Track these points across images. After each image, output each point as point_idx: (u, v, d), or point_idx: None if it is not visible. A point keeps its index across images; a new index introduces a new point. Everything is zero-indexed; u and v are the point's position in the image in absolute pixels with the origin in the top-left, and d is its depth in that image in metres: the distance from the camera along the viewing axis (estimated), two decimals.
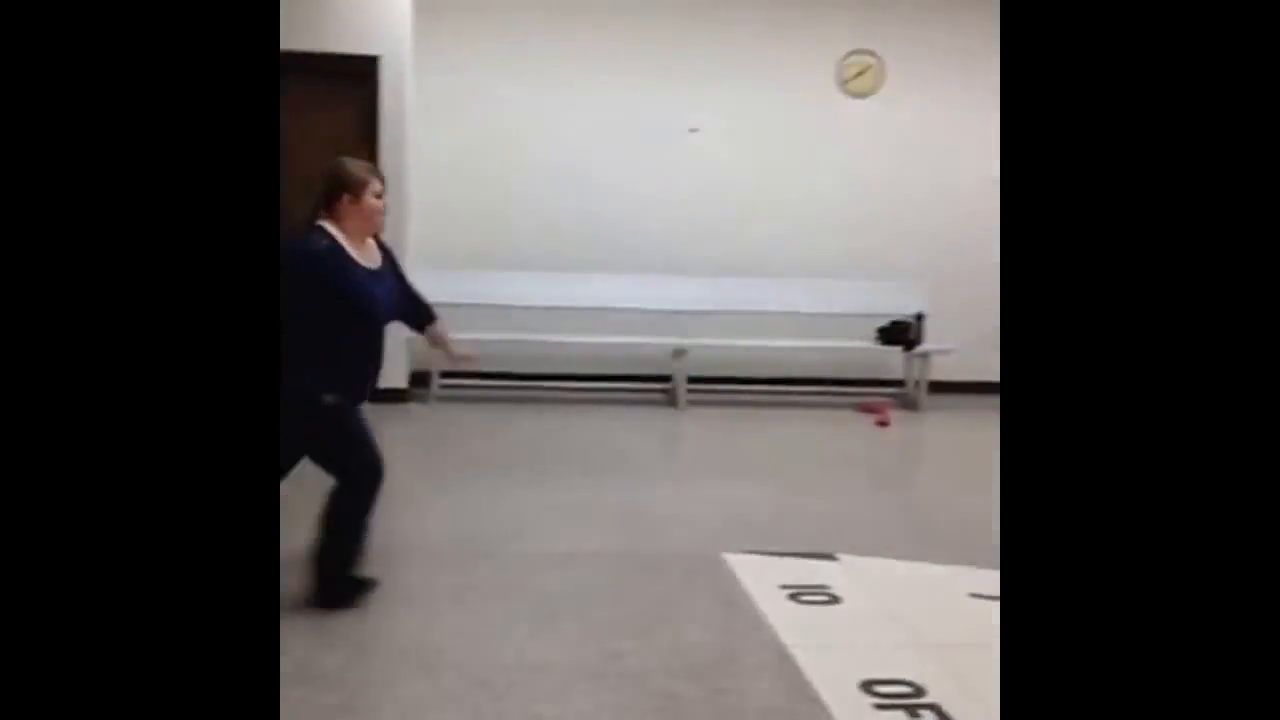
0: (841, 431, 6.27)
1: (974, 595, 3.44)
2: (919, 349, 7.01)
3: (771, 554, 3.67)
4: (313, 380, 2.89)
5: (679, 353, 6.79)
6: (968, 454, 5.99)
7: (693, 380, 6.89)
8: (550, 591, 3.26)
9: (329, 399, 2.94)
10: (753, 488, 4.76)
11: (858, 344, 7.17)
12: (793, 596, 3.30)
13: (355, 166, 3.04)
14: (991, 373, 7.05)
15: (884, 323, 7.15)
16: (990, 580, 3.56)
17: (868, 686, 2.67)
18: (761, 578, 3.44)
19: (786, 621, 3.07)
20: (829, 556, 3.73)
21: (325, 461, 3.04)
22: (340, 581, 3.08)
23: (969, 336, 7.02)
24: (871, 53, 7.33)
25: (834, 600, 3.30)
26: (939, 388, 7.09)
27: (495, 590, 3.26)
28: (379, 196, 3.03)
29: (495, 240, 7.13)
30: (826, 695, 2.60)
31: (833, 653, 2.88)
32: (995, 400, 6.89)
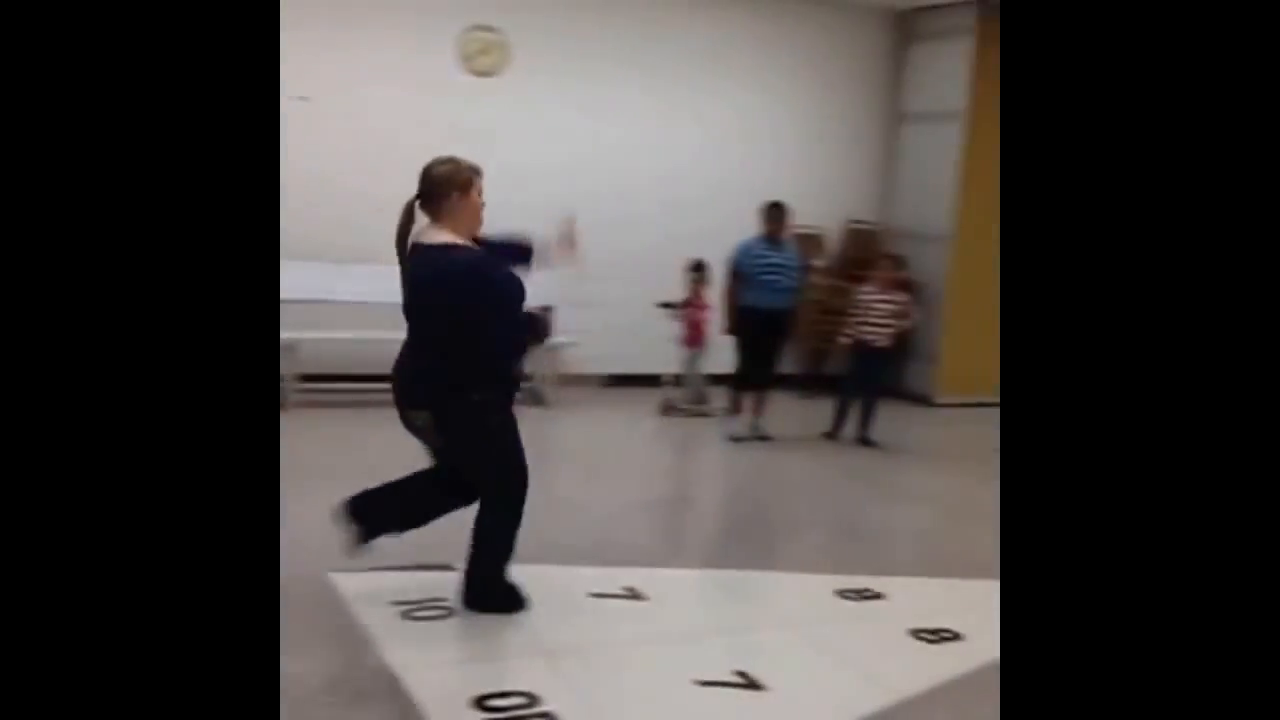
0: None
1: (594, 595, 3.61)
2: (548, 342, 7.21)
3: (385, 569, 3.61)
4: (466, 380, 3.18)
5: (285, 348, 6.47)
6: (598, 449, 6.29)
7: (301, 378, 6.61)
8: None
9: (477, 397, 3.21)
10: None
11: None
12: (406, 614, 3.28)
13: (461, 164, 3.32)
14: (617, 363, 7.46)
15: None
16: (612, 577, 3.75)
17: (480, 702, 2.72)
18: (373, 597, 3.38)
19: (398, 641, 3.04)
20: (447, 567, 3.73)
21: (477, 467, 3.34)
22: (497, 587, 3.36)
23: (594, 328, 7.34)
24: (493, 29, 7.40)
25: (449, 613, 3.32)
26: (568, 381, 7.35)
27: None
28: (480, 192, 3.32)
29: None
30: (437, 717, 2.60)
31: (445, 670, 2.90)
32: (623, 392, 7.32)
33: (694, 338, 7.11)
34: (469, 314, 3.14)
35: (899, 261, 7.08)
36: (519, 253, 3.69)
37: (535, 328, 3.49)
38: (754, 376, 6.48)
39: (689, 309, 7.10)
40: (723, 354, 7.01)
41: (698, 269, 7.16)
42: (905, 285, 7.05)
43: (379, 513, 3.42)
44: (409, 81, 7.08)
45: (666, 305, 7.15)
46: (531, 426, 6.43)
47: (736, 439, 6.43)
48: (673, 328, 7.13)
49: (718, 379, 7.06)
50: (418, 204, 3.29)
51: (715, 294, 6.84)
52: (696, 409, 7.09)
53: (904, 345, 8.33)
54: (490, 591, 3.37)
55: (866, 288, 6.64)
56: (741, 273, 6.31)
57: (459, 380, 3.18)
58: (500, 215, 7.69)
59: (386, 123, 7.11)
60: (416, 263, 3.23)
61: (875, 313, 6.51)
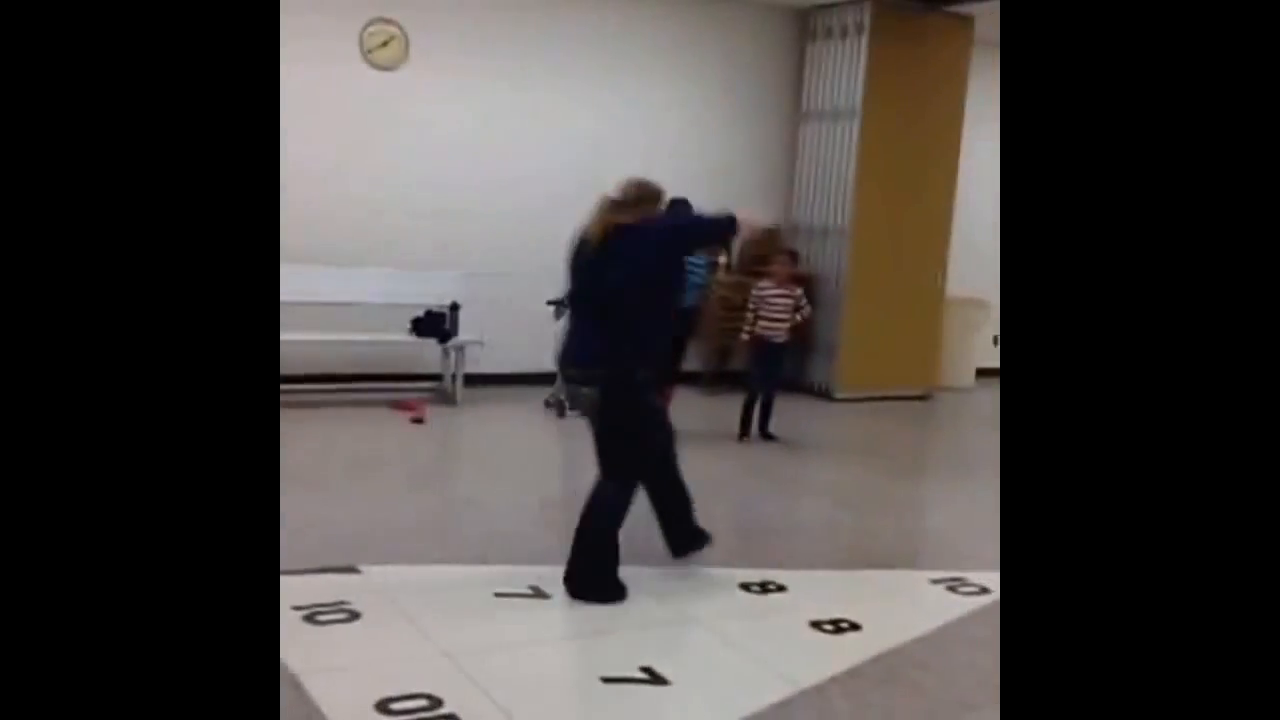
0: (372, 431, 6.25)
1: (499, 594, 3.62)
2: (454, 341, 7.18)
3: (287, 573, 3.55)
4: (635, 360, 3.65)
5: None
6: (505, 447, 6.28)
7: None
8: None
9: (641, 376, 3.67)
10: None
11: (389, 337, 7.17)
12: (308, 618, 3.24)
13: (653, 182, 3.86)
14: (525, 363, 7.44)
15: (418, 314, 7.22)
16: (517, 576, 3.77)
17: (383, 706, 2.72)
18: None
19: (299, 646, 3.01)
20: (351, 569, 3.71)
21: (623, 444, 3.74)
22: (609, 574, 3.69)
23: (500, 327, 7.32)
24: (394, 21, 7.32)
25: (353, 616, 3.30)
26: (474, 380, 7.33)
27: None
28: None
29: None
30: None
31: (347, 674, 2.88)
32: (530, 390, 7.30)
33: None
34: (667, 269, 3.78)
35: (795, 257, 7.22)
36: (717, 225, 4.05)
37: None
38: (661, 373, 6.53)
39: None
40: None
41: None
42: (801, 280, 7.18)
43: (687, 522, 4.04)
44: (312, 72, 6.94)
45: (554, 303, 7.10)
46: (437, 425, 6.47)
47: None
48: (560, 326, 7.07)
49: None
50: (616, 205, 3.75)
51: None
52: (566, 402, 6.92)
53: (803, 339, 8.51)
54: (603, 578, 3.68)
55: (763, 283, 6.75)
56: None
57: (630, 359, 3.62)
58: (398, 209, 7.63)
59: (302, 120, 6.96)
60: (625, 239, 3.64)
61: (772, 308, 6.63)
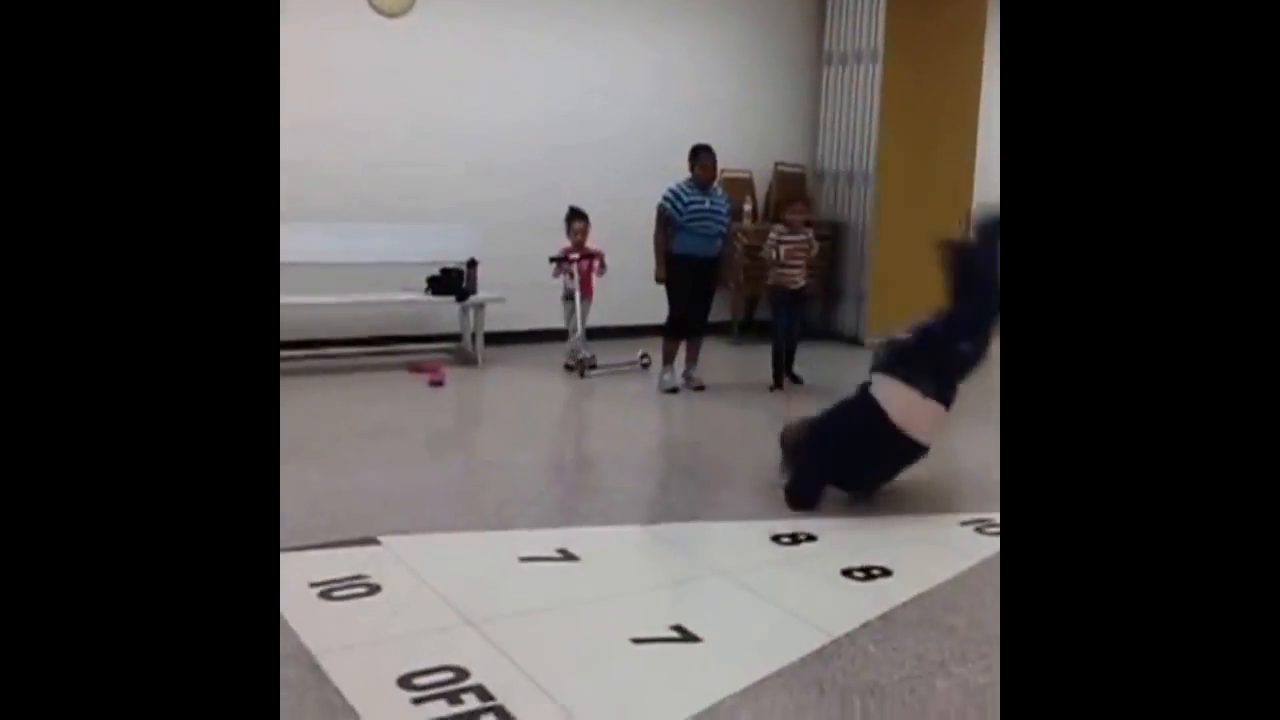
0: (389, 396, 6.15)
1: (525, 559, 3.51)
2: (472, 299, 7.04)
3: (301, 549, 3.47)
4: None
5: None
6: (528, 408, 6.17)
7: None
8: None
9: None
10: (282, 472, 4.49)
11: (404, 296, 7.04)
12: (324, 594, 3.15)
13: None
14: (548, 319, 7.31)
15: (433, 272, 7.08)
16: (544, 539, 3.67)
17: (406, 681, 2.62)
18: (287, 578, 3.23)
19: (316, 624, 2.91)
20: (371, 541, 3.61)
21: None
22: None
23: (520, 283, 7.16)
24: None
25: (373, 590, 3.20)
26: (495, 339, 7.20)
27: None
28: None
29: None
30: (359, 701, 2.50)
31: (368, 651, 2.78)
32: (555, 347, 7.18)
33: (586, 288, 6.92)
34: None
35: (808, 203, 7.11)
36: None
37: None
38: (687, 325, 6.40)
39: (582, 260, 6.89)
40: (640, 305, 6.94)
41: (579, 216, 6.95)
42: (811, 224, 7.05)
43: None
44: (315, 21, 6.74)
45: (556, 260, 6.95)
46: (456, 387, 6.37)
47: (670, 390, 6.35)
48: (564, 281, 6.95)
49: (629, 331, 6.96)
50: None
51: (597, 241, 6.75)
52: (586, 362, 6.79)
53: (826, 285, 8.34)
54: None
55: (778, 228, 6.64)
56: (671, 219, 6.20)
57: None
58: (409, 161, 7.44)
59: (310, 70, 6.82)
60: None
61: (788, 255, 6.53)
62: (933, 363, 4.12)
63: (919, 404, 4.07)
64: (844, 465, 4.17)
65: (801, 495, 4.15)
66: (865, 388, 4.23)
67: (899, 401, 4.07)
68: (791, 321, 6.68)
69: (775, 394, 6.46)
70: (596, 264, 6.92)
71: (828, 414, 4.30)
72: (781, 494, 4.24)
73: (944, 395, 4.10)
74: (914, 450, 4.15)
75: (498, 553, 3.58)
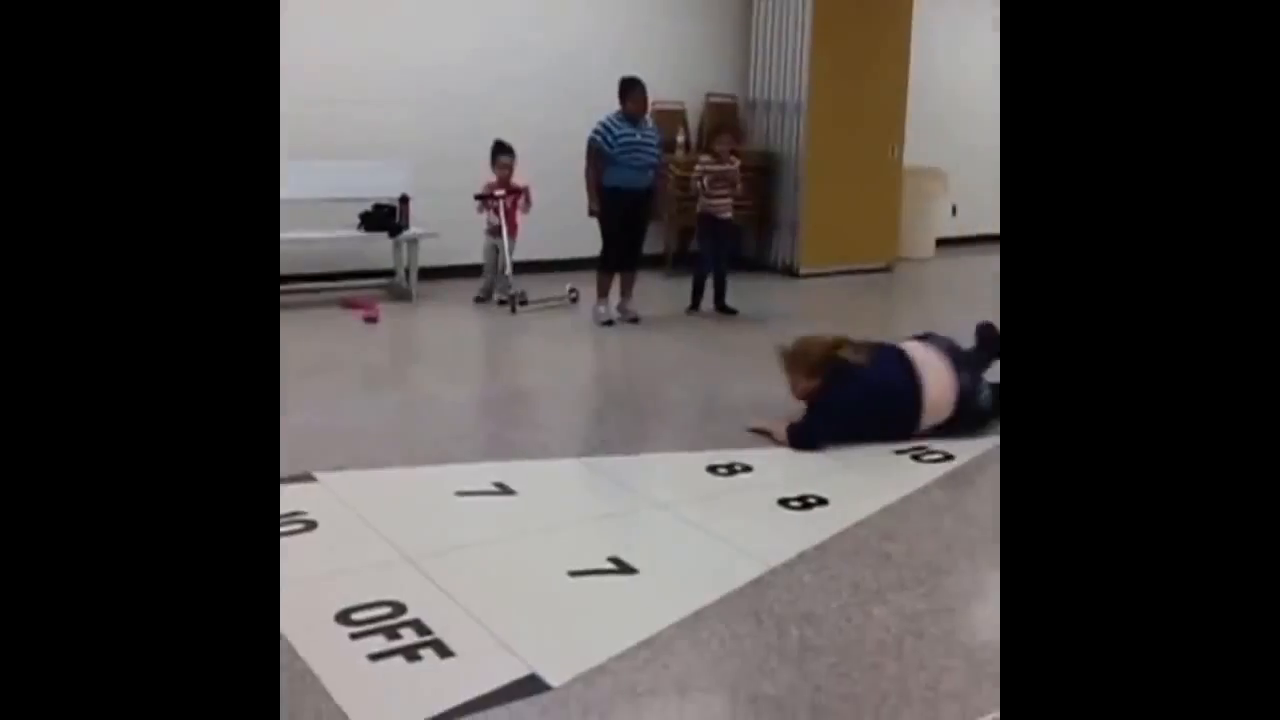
0: (324, 332, 6.06)
1: (461, 493, 3.52)
2: (405, 234, 6.94)
3: None
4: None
5: None
6: (462, 343, 6.14)
7: None
8: None
9: None
10: None
11: (337, 233, 6.91)
12: None
13: None
14: (476, 255, 7.22)
15: (366, 208, 6.95)
16: (480, 473, 3.67)
17: (344, 616, 2.63)
18: None
19: None
20: (308, 478, 3.59)
21: None
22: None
23: (453, 218, 7.06)
24: None
25: (310, 526, 3.19)
26: (428, 274, 7.12)
27: None
28: None
29: None
30: (296, 638, 2.50)
31: (304, 586, 2.78)
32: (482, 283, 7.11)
33: (511, 225, 6.83)
34: None
35: (736, 134, 7.12)
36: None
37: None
38: (621, 258, 6.38)
39: (507, 196, 6.79)
40: (568, 238, 6.90)
41: (504, 151, 6.86)
42: (737, 154, 7.06)
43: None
44: None
45: (480, 197, 6.85)
46: (391, 323, 6.29)
47: (605, 323, 6.35)
48: (488, 217, 6.88)
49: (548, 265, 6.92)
50: None
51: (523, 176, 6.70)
52: (518, 297, 6.71)
53: (760, 216, 8.35)
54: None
55: (704, 158, 6.66)
56: (602, 152, 6.14)
57: None
58: (340, 97, 7.27)
59: None
60: None
61: (715, 184, 6.55)
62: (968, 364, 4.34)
63: (947, 376, 4.18)
64: (853, 428, 4.17)
65: (806, 445, 4.14)
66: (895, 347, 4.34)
67: (935, 367, 4.20)
68: (719, 251, 6.71)
69: (691, 316, 6.63)
70: (522, 200, 6.85)
71: (852, 372, 4.18)
72: (717, 426, 4.28)
73: (966, 387, 4.24)
74: (916, 419, 4.21)
75: (434, 488, 3.59)
